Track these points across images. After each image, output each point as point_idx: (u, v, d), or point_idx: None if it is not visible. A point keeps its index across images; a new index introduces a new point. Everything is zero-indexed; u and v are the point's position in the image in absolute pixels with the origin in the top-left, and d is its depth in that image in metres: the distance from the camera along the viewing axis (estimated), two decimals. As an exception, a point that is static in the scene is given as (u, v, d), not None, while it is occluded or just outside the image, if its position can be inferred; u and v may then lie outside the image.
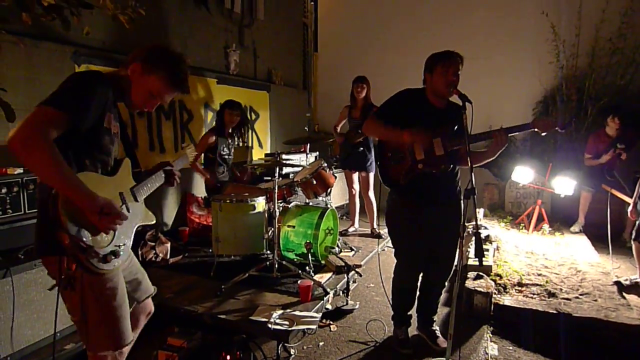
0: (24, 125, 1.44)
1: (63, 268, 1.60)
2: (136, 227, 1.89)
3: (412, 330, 3.07)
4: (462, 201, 2.73)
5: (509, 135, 2.54)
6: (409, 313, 3.00)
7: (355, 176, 5.20)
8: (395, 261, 2.94)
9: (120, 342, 1.77)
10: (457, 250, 2.40)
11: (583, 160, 5.37)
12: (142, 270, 2.08)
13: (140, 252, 3.90)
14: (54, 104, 1.50)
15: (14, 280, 2.37)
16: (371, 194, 5.11)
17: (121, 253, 1.73)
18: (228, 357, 2.54)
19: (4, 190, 2.70)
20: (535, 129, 2.54)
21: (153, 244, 3.99)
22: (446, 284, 3.01)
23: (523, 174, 5.37)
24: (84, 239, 1.55)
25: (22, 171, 2.83)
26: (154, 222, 2.02)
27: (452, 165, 2.70)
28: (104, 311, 1.72)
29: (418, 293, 3.02)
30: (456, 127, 2.66)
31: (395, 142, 2.71)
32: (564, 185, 5.07)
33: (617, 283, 3.78)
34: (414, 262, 2.85)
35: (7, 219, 2.70)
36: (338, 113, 5.25)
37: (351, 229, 5.32)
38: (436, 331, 2.98)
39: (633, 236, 3.83)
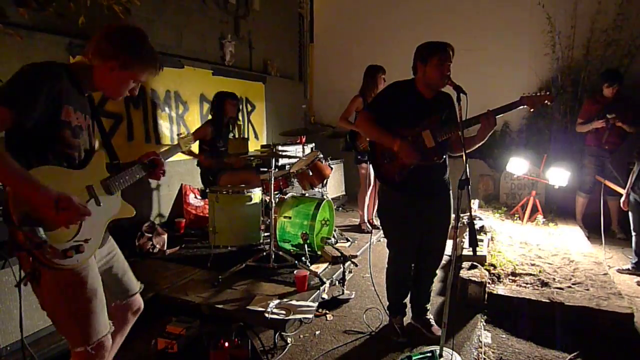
0: None
1: (24, 264, 1.59)
2: (109, 221, 1.83)
3: (407, 320, 3.11)
4: (451, 192, 2.78)
5: (499, 117, 2.55)
6: (403, 302, 3.05)
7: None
8: (388, 252, 2.98)
9: (90, 337, 1.69)
10: (448, 239, 2.42)
11: (578, 150, 5.37)
12: (125, 267, 2.01)
13: (137, 244, 3.91)
14: None
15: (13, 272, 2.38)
16: None
17: (84, 248, 1.65)
18: (226, 343, 2.57)
19: None
20: (525, 106, 2.55)
21: (150, 235, 4.01)
22: (437, 272, 3.05)
23: (518, 165, 5.41)
24: (38, 235, 1.47)
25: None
26: (133, 214, 1.94)
27: (443, 156, 2.72)
28: (71, 305, 1.66)
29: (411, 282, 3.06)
30: (443, 116, 2.66)
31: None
32: (558, 176, 5.11)
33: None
34: (406, 252, 2.90)
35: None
36: (335, 104, 5.15)
37: (369, 227, 5.14)
38: (430, 320, 3.02)
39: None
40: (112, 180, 1.81)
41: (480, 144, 2.65)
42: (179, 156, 4.51)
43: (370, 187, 5.06)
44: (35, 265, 1.57)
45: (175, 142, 2.34)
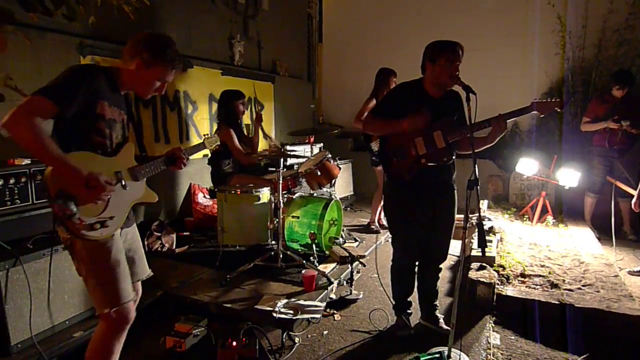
0: (17, 109, 1.65)
1: (61, 234, 1.89)
2: (133, 203, 2.08)
3: (415, 320, 3.11)
4: (456, 191, 2.79)
5: (509, 120, 2.56)
6: (408, 300, 3.05)
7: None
8: (393, 249, 2.99)
9: (116, 300, 1.93)
10: (457, 240, 2.43)
11: (589, 151, 5.32)
12: (141, 253, 2.24)
13: (146, 243, 3.94)
14: (44, 93, 1.71)
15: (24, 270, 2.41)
16: None
17: (109, 224, 1.91)
18: (234, 342, 2.58)
19: (12, 181, 2.73)
20: (535, 112, 2.55)
21: (159, 234, 4.03)
22: (446, 273, 3.04)
23: (528, 165, 5.36)
24: (70, 207, 1.74)
25: (29, 162, 2.86)
26: (156, 200, 2.21)
27: (453, 157, 2.72)
28: (99, 272, 1.92)
29: (417, 282, 3.07)
30: (455, 117, 2.67)
31: (397, 139, 2.73)
32: (569, 177, 5.06)
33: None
34: (410, 249, 2.91)
35: (16, 209, 2.74)
36: (343, 104, 5.16)
37: (373, 226, 5.17)
38: (439, 317, 3.02)
39: None
40: (138, 169, 2.07)
41: (489, 145, 2.65)
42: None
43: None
44: (69, 235, 1.85)
45: (201, 141, 2.56)
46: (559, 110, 2.59)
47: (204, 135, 2.69)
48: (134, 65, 1.96)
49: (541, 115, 2.59)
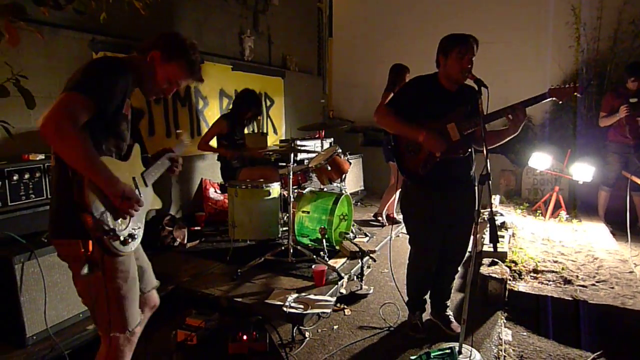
0: (54, 111, 1.47)
1: (88, 250, 1.64)
2: (146, 211, 1.91)
3: (426, 316, 3.09)
4: (476, 187, 2.73)
5: (526, 108, 2.49)
6: (423, 298, 3.02)
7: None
8: (410, 248, 2.94)
9: (128, 323, 1.80)
10: (472, 235, 2.40)
11: (604, 145, 5.23)
12: (147, 261, 2.10)
13: (158, 237, 3.97)
14: (82, 90, 1.54)
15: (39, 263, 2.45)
16: None
17: (137, 236, 1.78)
18: (245, 336, 2.59)
19: (26, 176, 2.78)
20: (553, 98, 2.49)
21: (171, 228, 4.06)
22: (459, 269, 3.02)
23: (541, 160, 5.29)
24: (108, 222, 1.61)
25: (43, 157, 2.90)
26: (161, 207, 2.06)
27: (469, 150, 2.68)
28: (115, 293, 1.74)
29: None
30: (469, 108, 2.62)
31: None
32: (583, 171, 4.98)
33: None
34: (429, 248, 2.83)
35: (30, 203, 2.79)
36: (354, 98, 5.15)
37: (380, 217, 5.18)
38: (450, 316, 2.99)
39: None
40: (147, 173, 1.92)
41: (512, 136, 2.58)
42: (199, 151, 4.58)
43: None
44: (96, 251, 1.64)
45: (177, 139, 2.39)
46: (578, 95, 2.53)
47: (177, 132, 2.48)
48: (150, 56, 1.80)
49: (559, 102, 2.53)
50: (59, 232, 1.69)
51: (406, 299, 3.08)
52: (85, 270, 1.65)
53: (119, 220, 1.68)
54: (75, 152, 1.50)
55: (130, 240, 1.72)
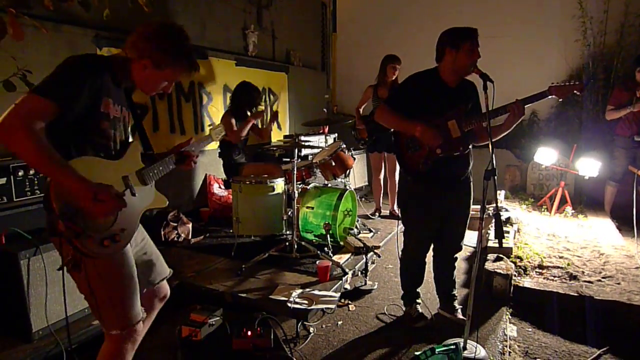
0: (9, 113, 1.43)
1: (65, 250, 1.61)
2: (143, 210, 1.85)
3: (434, 310, 3.12)
4: (472, 183, 2.75)
5: (527, 105, 2.49)
6: (417, 290, 3.05)
7: (381, 160, 5.19)
8: (403, 239, 2.99)
9: (127, 321, 1.77)
10: (474, 231, 2.40)
11: (611, 141, 5.18)
12: (157, 253, 2.07)
13: (162, 232, 3.98)
14: (41, 92, 1.49)
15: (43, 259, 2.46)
16: (397, 175, 5.09)
17: (121, 238, 1.69)
18: (249, 332, 2.60)
19: (32, 172, 2.79)
20: (553, 96, 2.47)
21: (175, 224, 4.07)
22: (462, 264, 3.02)
23: (546, 155, 5.26)
24: (78, 225, 1.54)
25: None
26: (166, 205, 1.99)
27: (469, 147, 2.68)
28: (109, 291, 1.72)
29: (433, 273, 3.08)
30: (470, 105, 2.62)
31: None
32: (589, 166, 4.95)
33: None
34: (423, 242, 2.91)
35: (36, 199, 2.81)
36: (357, 94, 5.19)
37: (377, 216, 5.29)
38: (457, 307, 3.02)
39: None
40: (147, 171, 1.85)
41: (506, 133, 2.59)
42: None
43: (382, 175, 5.29)
44: (75, 253, 1.60)
45: (207, 134, 2.35)
46: (578, 93, 2.50)
47: (209, 125, 2.51)
48: (141, 63, 1.72)
49: (560, 100, 2.51)
50: (48, 230, 1.65)
51: (402, 292, 3.10)
52: (58, 266, 1.65)
53: (96, 222, 1.59)
54: (31, 155, 1.44)
55: (110, 242, 1.64)
